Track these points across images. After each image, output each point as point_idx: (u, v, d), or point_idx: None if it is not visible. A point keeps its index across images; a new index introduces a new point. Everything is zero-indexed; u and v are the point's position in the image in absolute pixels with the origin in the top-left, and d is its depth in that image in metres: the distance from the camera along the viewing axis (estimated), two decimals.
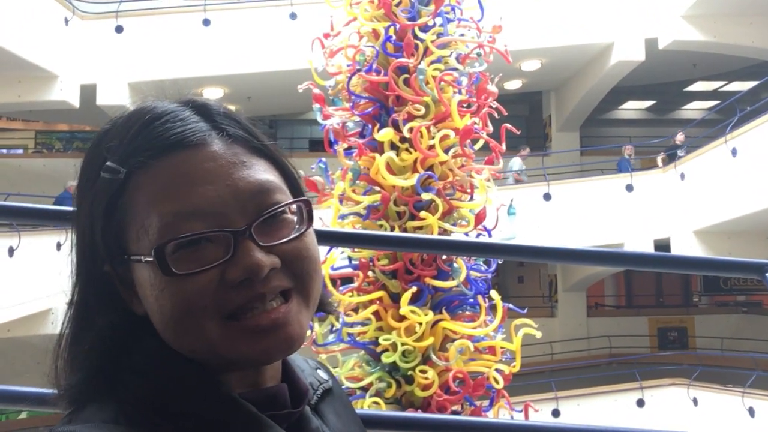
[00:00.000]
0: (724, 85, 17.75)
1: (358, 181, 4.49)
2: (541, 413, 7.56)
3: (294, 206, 0.63)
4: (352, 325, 4.40)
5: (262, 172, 0.62)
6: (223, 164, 0.60)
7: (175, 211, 0.58)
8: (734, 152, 9.30)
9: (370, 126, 4.53)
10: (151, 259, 0.58)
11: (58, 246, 9.14)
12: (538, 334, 4.27)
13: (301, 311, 0.61)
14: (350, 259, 4.54)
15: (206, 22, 11.09)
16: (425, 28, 4.50)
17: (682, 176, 10.62)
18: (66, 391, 0.61)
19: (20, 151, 17.46)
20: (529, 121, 17.42)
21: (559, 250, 1.38)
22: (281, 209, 0.61)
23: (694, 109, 19.41)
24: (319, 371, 0.75)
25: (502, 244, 1.65)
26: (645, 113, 20.07)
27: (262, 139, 0.65)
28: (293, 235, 0.61)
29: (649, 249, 10.41)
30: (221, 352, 0.59)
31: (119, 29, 11.00)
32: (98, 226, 0.61)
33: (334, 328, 4.42)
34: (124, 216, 0.60)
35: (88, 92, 10.70)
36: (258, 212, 0.60)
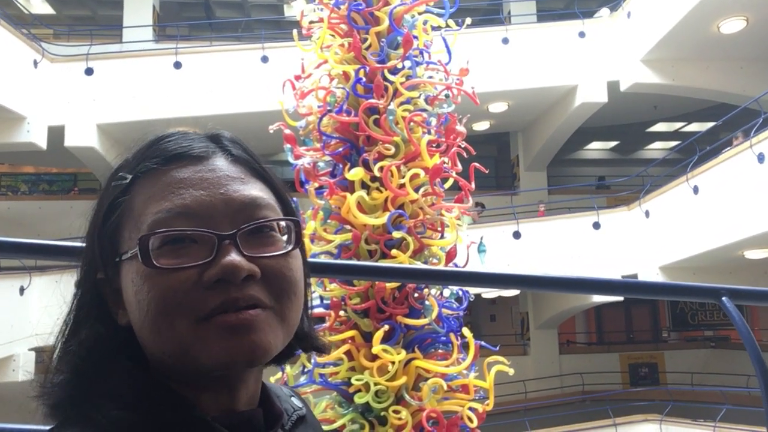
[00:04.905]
0: (684, 126, 18.37)
1: (329, 220, 4.50)
2: None
3: (284, 226, 0.65)
4: (323, 365, 4.35)
5: (257, 190, 0.65)
6: (221, 176, 0.64)
7: (167, 209, 0.60)
8: (696, 190, 9.57)
9: (340, 165, 4.57)
10: (136, 250, 0.59)
11: (21, 290, 8.90)
12: (511, 371, 4.27)
13: (271, 324, 0.61)
14: (322, 298, 4.52)
15: (177, 65, 11.15)
16: (394, 71, 4.60)
17: (647, 214, 10.87)
18: (47, 407, 0.62)
19: None
20: (498, 161, 17.74)
21: (528, 278, 1.41)
22: (269, 223, 0.64)
23: (656, 149, 20.01)
24: (293, 399, 0.75)
25: (477, 273, 1.68)
26: (609, 153, 20.62)
27: (262, 163, 0.68)
28: (279, 252, 0.63)
29: None
30: (189, 353, 0.59)
31: (89, 71, 10.99)
32: (98, 230, 0.64)
33: (305, 369, 4.36)
34: (121, 216, 0.63)
35: (55, 134, 10.60)
36: (247, 223, 0.62)
